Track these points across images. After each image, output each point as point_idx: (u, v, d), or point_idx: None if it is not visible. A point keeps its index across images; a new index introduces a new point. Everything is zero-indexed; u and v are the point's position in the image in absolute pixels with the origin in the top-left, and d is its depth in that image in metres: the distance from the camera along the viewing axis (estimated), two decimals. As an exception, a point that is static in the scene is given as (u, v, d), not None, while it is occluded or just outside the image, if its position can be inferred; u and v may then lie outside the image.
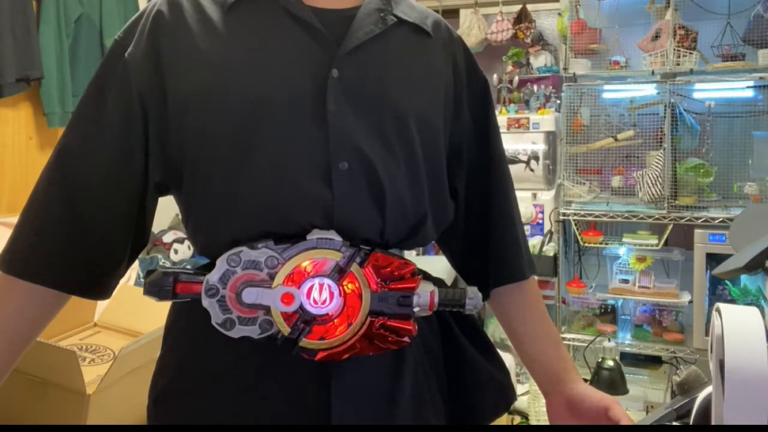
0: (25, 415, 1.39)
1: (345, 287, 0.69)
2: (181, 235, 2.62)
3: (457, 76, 0.84)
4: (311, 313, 0.67)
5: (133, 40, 0.75)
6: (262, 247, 0.69)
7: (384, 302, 0.69)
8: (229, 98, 0.71)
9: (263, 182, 0.71)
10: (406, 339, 0.70)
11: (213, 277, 0.68)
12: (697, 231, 2.48)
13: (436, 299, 0.72)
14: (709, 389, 0.75)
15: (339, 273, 0.68)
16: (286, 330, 0.67)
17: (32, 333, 0.75)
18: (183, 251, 2.60)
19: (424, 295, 0.71)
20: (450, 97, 0.83)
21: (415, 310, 0.71)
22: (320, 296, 0.67)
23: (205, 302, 0.68)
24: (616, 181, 2.79)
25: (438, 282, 0.79)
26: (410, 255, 2.79)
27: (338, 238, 0.70)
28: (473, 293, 0.74)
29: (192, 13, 0.75)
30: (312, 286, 0.67)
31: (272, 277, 0.68)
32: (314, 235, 0.70)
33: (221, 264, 0.68)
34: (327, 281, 0.68)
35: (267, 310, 0.67)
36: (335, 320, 0.68)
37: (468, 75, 0.86)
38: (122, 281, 0.80)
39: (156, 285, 0.69)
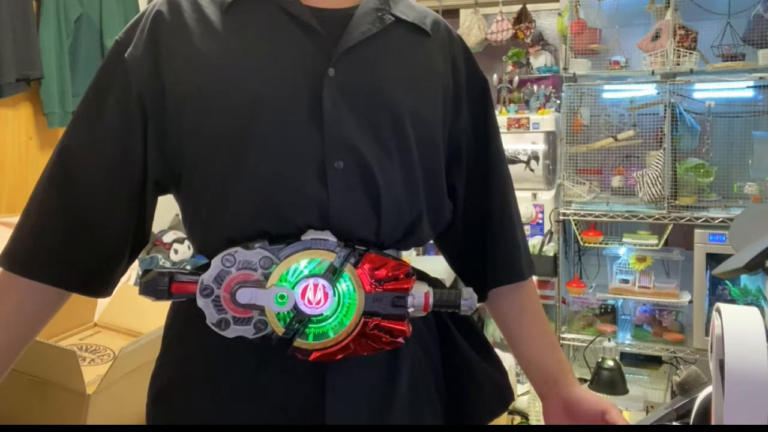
0: (25, 415, 1.38)
1: (339, 288, 0.69)
2: (181, 235, 2.62)
3: (456, 76, 0.84)
4: (306, 313, 0.67)
5: (133, 40, 0.76)
6: (257, 247, 0.68)
7: (378, 303, 0.69)
8: (225, 97, 0.71)
9: (259, 181, 0.71)
10: (400, 340, 0.70)
11: (208, 277, 0.68)
12: (697, 231, 2.47)
13: (431, 300, 0.72)
14: (709, 389, 0.75)
15: (333, 273, 0.68)
16: (280, 330, 0.67)
17: (32, 330, 0.75)
18: (183, 251, 2.60)
19: (419, 296, 0.71)
20: (449, 97, 0.83)
21: (410, 310, 0.70)
22: (315, 297, 0.67)
23: (200, 302, 0.68)
24: (616, 181, 2.79)
25: (437, 282, 0.79)
26: (410, 255, 2.79)
27: (333, 239, 0.70)
28: (468, 294, 0.74)
29: (191, 13, 0.75)
30: (306, 287, 0.67)
31: (267, 277, 0.68)
32: (309, 235, 0.70)
33: (216, 264, 0.68)
34: (321, 281, 0.68)
35: (261, 310, 0.67)
36: (330, 320, 0.68)
37: (467, 75, 0.86)
38: (122, 281, 0.80)
39: (151, 285, 0.69)
